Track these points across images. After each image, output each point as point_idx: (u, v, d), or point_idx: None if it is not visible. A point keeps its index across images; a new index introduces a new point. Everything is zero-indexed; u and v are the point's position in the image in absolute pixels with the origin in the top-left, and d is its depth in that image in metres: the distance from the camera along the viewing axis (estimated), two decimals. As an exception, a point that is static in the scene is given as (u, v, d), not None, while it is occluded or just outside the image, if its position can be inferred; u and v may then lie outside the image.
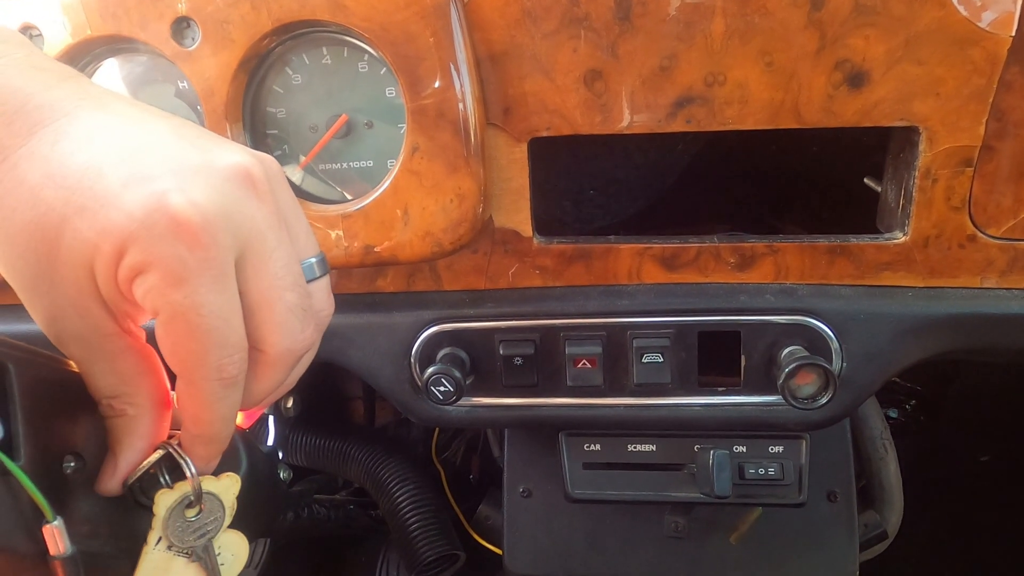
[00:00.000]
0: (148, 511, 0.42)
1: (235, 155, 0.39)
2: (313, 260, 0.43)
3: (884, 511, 0.91)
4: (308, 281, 0.42)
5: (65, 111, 0.37)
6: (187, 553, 0.43)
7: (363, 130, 0.68)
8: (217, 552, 0.43)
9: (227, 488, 0.44)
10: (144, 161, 0.36)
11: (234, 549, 0.45)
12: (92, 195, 0.35)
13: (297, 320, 0.40)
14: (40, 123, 0.37)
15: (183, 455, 0.41)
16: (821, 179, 0.87)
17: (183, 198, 0.35)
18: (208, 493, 0.43)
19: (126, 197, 0.35)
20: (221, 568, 0.43)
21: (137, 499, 0.43)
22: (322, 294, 0.44)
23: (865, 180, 0.75)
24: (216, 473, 0.44)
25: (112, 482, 0.41)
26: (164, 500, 0.42)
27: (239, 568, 0.45)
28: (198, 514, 0.43)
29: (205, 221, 0.35)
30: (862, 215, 0.73)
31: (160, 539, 0.42)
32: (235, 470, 0.48)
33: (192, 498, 0.42)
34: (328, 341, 0.71)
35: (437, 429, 1.10)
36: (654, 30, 0.61)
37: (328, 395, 1.13)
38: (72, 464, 0.40)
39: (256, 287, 0.38)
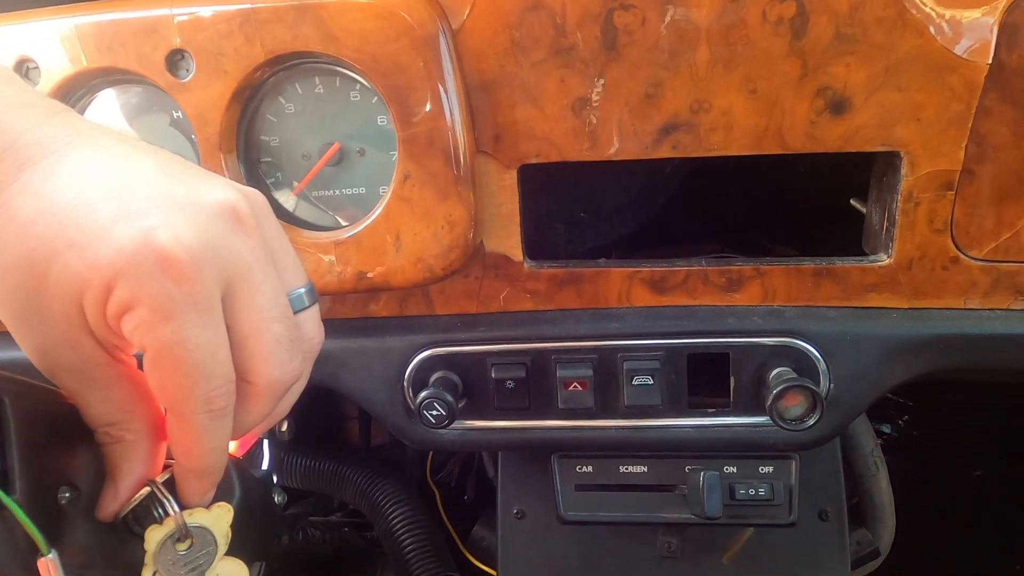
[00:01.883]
0: (143, 540, 0.43)
1: (221, 191, 0.40)
2: (301, 291, 0.44)
3: (876, 528, 0.92)
4: (296, 311, 0.43)
5: (54, 148, 0.38)
6: None
7: (355, 157, 0.69)
8: None
9: (219, 518, 0.44)
10: (132, 198, 0.37)
11: None
12: (81, 231, 0.36)
13: (285, 351, 0.41)
14: (30, 160, 0.38)
15: (164, 493, 0.42)
16: (809, 200, 0.88)
17: (170, 234, 0.36)
18: (198, 527, 0.43)
19: (115, 233, 0.36)
20: None
21: (132, 528, 0.44)
22: (311, 324, 0.44)
23: (851, 201, 0.76)
24: (208, 503, 0.45)
25: (112, 507, 0.42)
26: (154, 535, 0.42)
27: None
28: (189, 548, 0.43)
29: (191, 257, 0.36)
30: (849, 235, 0.74)
31: (154, 573, 0.43)
32: (229, 499, 0.48)
33: (180, 534, 0.43)
34: (322, 366, 0.72)
35: (432, 451, 1.11)
36: (640, 59, 0.62)
37: (323, 417, 1.13)
38: (67, 495, 0.41)
39: (244, 320, 0.39)
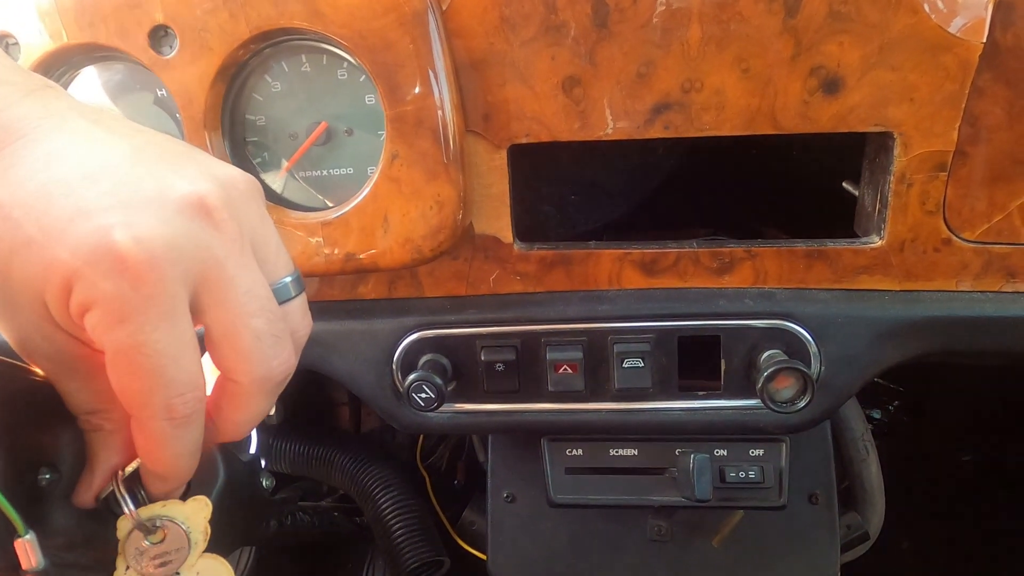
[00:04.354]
0: None
1: (191, 183, 0.38)
2: (287, 280, 0.42)
3: (866, 512, 0.92)
4: (282, 302, 0.41)
5: (23, 132, 0.37)
6: None
7: (343, 137, 0.68)
8: None
9: (195, 512, 0.43)
10: (94, 192, 0.36)
11: (212, 575, 0.44)
12: (39, 228, 0.35)
13: (268, 346, 0.39)
14: None
15: (122, 491, 0.41)
16: (802, 183, 0.88)
17: (128, 234, 0.34)
18: (170, 520, 0.42)
19: (71, 231, 0.34)
20: None
21: (114, 510, 0.43)
22: (298, 314, 0.43)
23: (843, 184, 0.76)
24: (186, 496, 0.43)
25: (87, 494, 0.41)
26: (123, 525, 0.41)
27: None
28: (160, 541, 0.42)
29: (151, 257, 0.34)
30: (843, 219, 0.73)
31: (128, 567, 0.41)
32: (212, 482, 0.48)
33: (150, 525, 0.42)
34: (310, 348, 0.71)
35: (422, 435, 1.10)
36: (631, 37, 0.61)
37: (313, 402, 1.12)
38: (47, 476, 0.40)
39: (218, 318, 0.38)
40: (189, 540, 0.42)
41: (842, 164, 0.75)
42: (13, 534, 0.36)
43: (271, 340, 0.39)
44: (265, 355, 0.39)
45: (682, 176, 0.85)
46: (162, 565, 0.42)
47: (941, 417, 1.31)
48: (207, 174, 0.39)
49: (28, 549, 0.36)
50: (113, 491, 0.42)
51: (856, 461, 0.91)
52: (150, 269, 0.34)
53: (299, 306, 0.43)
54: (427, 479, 1.03)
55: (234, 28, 0.62)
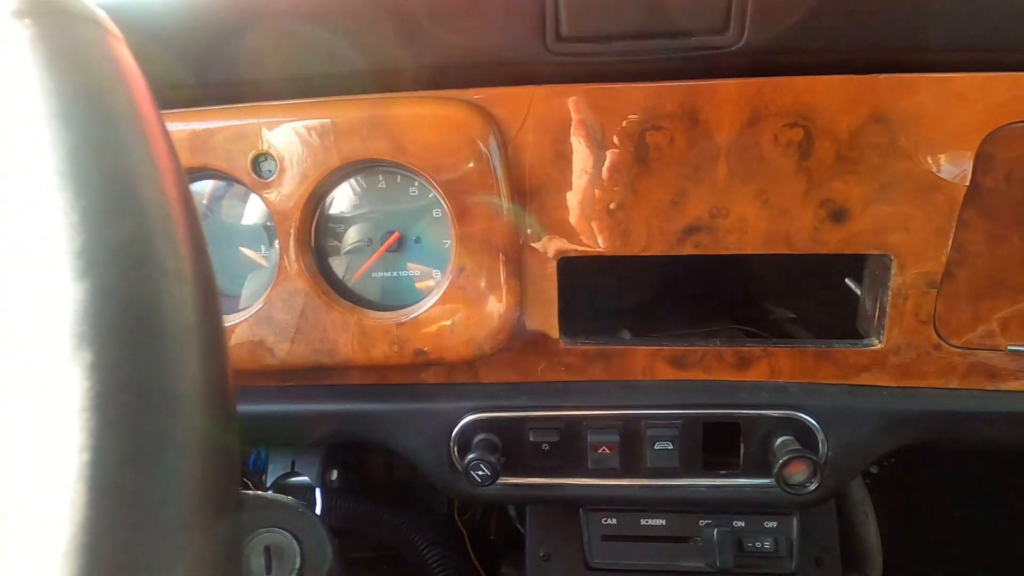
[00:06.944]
0: None
1: None
2: None
3: (866, 570, 1.01)
4: None
5: None
6: None
7: (412, 244, 0.78)
8: None
9: None
10: None
11: None
12: None
13: None
14: None
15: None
16: (811, 278, 0.98)
17: None
18: None
19: None
20: None
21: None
22: None
23: (846, 281, 0.86)
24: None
25: None
26: None
27: None
28: None
29: None
30: (844, 310, 0.83)
31: None
32: (324, 566, 0.57)
33: None
34: (377, 426, 0.81)
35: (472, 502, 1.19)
36: (667, 171, 0.71)
37: (358, 464, 1.21)
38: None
39: None
40: None
41: (846, 262, 0.84)
42: None
43: None
44: None
45: (703, 270, 0.95)
46: None
47: (936, 473, 1.40)
48: None
49: None
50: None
51: (857, 524, 1.00)
52: None
53: None
54: (464, 534, 1.12)
55: (327, 158, 0.72)
